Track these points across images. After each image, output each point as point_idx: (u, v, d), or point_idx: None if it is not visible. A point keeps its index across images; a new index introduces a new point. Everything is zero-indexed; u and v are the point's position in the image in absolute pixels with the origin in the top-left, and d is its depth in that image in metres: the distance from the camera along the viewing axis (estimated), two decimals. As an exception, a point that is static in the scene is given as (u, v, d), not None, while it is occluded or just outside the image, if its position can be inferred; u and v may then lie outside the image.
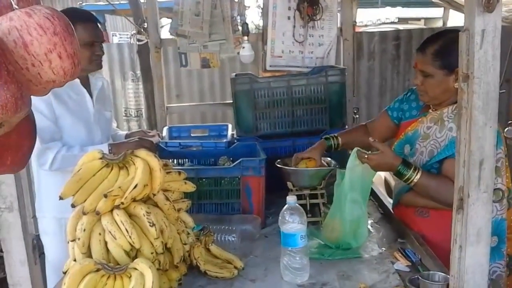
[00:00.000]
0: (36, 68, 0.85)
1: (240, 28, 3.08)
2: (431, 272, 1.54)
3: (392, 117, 2.23)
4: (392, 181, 3.17)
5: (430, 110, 2.02)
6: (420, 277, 1.48)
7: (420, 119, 2.03)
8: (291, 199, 1.67)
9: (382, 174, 4.50)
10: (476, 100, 1.10)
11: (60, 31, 0.85)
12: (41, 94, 0.90)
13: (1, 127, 0.82)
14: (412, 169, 1.85)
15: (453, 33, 1.92)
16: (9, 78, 0.77)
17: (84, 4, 7.48)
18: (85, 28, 2.27)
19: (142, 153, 1.51)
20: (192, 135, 3.04)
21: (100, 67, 2.43)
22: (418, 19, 11.05)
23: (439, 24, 8.96)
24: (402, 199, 2.10)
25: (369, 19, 10.91)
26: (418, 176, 1.84)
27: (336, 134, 2.35)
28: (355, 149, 1.88)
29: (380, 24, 10.80)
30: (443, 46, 1.89)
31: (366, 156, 1.85)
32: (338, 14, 3.24)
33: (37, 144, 2.19)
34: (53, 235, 2.34)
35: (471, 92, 1.10)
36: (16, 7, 0.88)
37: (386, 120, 2.27)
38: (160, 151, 2.47)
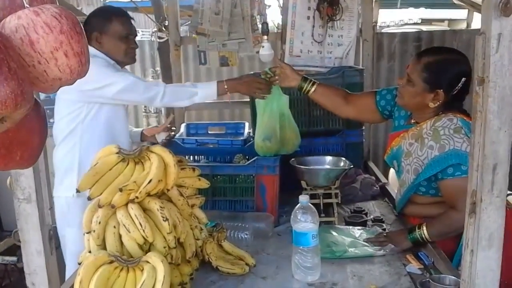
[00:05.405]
0: (42, 66, 0.87)
1: (259, 26, 3.08)
2: (441, 275, 1.53)
3: (378, 104, 2.20)
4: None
5: (412, 121, 2.02)
6: (430, 280, 1.48)
7: (402, 134, 2.04)
8: (303, 198, 1.68)
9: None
10: (491, 104, 1.09)
11: (66, 30, 0.87)
12: (49, 91, 0.91)
13: (2, 123, 0.83)
14: (416, 228, 1.85)
15: (454, 55, 1.92)
16: (9, 75, 0.78)
17: (108, 1, 7.56)
18: (121, 22, 2.39)
19: (157, 149, 1.54)
20: (209, 132, 3.06)
21: (134, 60, 2.57)
22: (442, 21, 10.87)
23: (463, 25, 8.82)
24: (404, 211, 2.13)
25: (392, 19, 10.79)
26: (425, 229, 1.83)
27: (316, 81, 2.26)
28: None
29: (403, 25, 10.67)
30: (437, 62, 1.87)
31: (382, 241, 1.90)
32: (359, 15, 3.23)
33: (140, 85, 2.32)
34: (76, 227, 2.39)
35: (486, 96, 1.09)
36: (27, 6, 0.90)
37: (370, 101, 2.23)
38: (177, 147, 2.49)
